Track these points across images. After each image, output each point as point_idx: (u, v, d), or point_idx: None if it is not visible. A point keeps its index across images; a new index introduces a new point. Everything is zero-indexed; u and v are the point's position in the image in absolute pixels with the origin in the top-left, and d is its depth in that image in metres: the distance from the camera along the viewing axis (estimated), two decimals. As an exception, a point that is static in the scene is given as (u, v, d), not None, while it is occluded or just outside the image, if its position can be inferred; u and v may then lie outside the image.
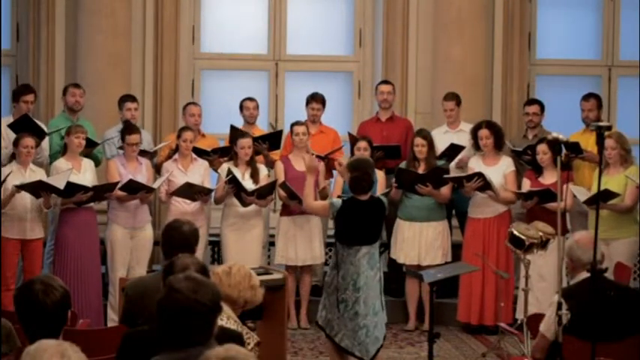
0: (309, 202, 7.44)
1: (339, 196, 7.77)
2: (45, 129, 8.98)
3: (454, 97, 9.72)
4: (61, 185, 8.20)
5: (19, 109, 9.00)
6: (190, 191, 8.80)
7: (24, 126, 8.71)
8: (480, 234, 9.07)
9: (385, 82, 10.14)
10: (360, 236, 7.01)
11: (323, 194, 9.01)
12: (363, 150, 8.91)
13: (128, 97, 9.43)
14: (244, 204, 8.95)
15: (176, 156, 9.06)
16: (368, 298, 6.96)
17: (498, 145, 9.15)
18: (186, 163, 9.03)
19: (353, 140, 9.39)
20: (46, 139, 8.97)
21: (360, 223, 7.01)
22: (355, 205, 7.01)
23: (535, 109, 9.70)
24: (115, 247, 8.77)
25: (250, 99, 9.85)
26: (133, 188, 8.65)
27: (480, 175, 8.86)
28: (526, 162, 9.35)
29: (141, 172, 8.83)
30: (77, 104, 9.29)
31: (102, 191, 8.59)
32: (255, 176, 9.03)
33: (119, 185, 8.60)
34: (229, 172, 8.85)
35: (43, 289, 3.82)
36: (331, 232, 7.73)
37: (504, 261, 8.97)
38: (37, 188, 8.22)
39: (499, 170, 9.07)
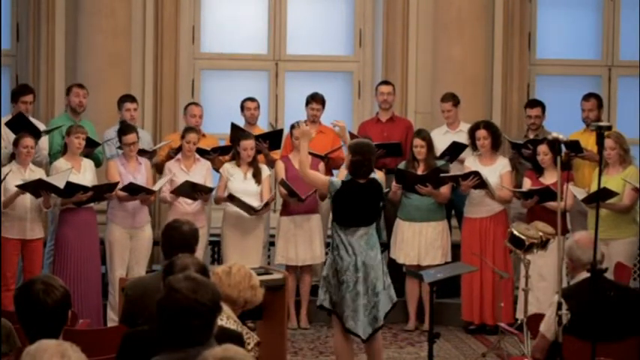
0: (306, 171, 7.27)
1: None
2: (42, 127, 8.98)
3: (451, 98, 9.71)
4: (61, 184, 8.20)
5: (17, 109, 9.00)
6: (190, 190, 8.81)
7: (20, 125, 8.71)
8: (476, 234, 9.08)
9: (385, 82, 10.14)
10: (357, 217, 7.02)
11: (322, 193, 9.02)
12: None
13: (127, 98, 9.43)
14: (251, 214, 8.99)
15: (179, 156, 9.07)
16: (368, 278, 6.98)
17: (495, 146, 9.17)
18: (189, 163, 9.04)
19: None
20: (45, 139, 8.98)
21: (358, 204, 7.02)
22: (353, 186, 7.02)
23: (537, 112, 9.69)
24: (114, 247, 8.77)
25: (251, 99, 9.86)
26: (134, 189, 8.66)
27: (476, 173, 8.88)
28: (526, 157, 9.36)
29: (140, 171, 8.85)
30: (80, 105, 9.29)
31: (102, 191, 8.60)
32: (257, 176, 9.06)
33: (119, 187, 8.61)
34: (235, 197, 8.85)
35: (43, 288, 3.81)
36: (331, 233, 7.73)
37: (502, 260, 8.98)
38: (36, 187, 8.22)
39: (495, 170, 9.09)
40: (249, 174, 9.06)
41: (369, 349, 7.19)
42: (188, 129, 9.15)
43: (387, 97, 9.92)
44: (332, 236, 7.20)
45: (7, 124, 8.78)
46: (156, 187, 8.81)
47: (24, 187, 8.19)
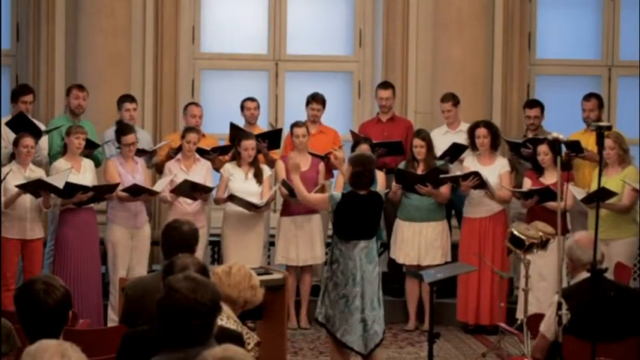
0: (305, 197, 7.46)
1: None
2: (42, 127, 8.98)
3: (451, 98, 9.71)
4: (60, 185, 8.20)
5: (17, 109, 9.00)
6: (190, 189, 8.81)
7: (20, 124, 8.71)
8: (475, 234, 9.08)
9: (384, 86, 10.04)
10: (358, 230, 7.01)
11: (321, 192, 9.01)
12: (365, 153, 8.89)
13: (127, 98, 9.43)
14: (252, 211, 9.00)
15: (179, 156, 9.07)
16: (366, 292, 6.96)
17: (494, 146, 9.19)
18: (189, 163, 9.05)
19: (355, 138, 9.39)
20: (45, 138, 8.98)
21: (359, 216, 7.02)
22: (354, 198, 7.02)
23: (536, 112, 9.70)
24: (117, 247, 8.77)
25: (251, 99, 9.86)
26: (136, 191, 8.66)
27: (476, 174, 8.88)
28: (525, 157, 9.36)
29: (138, 171, 8.86)
30: (79, 107, 9.28)
31: (102, 192, 8.60)
32: (258, 176, 9.06)
33: (121, 187, 8.61)
34: (235, 196, 8.85)
35: (44, 288, 3.81)
36: (332, 232, 7.73)
37: (500, 260, 8.99)
38: (36, 187, 8.22)
39: (494, 170, 9.09)
40: (251, 174, 9.06)
41: None
42: (188, 129, 9.15)
43: (386, 102, 9.92)
44: (332, 249, 7.18)
45: (8, 123, 8.78)
46: (159, 188, 8.81)
47: (24, 187, 8.19)
